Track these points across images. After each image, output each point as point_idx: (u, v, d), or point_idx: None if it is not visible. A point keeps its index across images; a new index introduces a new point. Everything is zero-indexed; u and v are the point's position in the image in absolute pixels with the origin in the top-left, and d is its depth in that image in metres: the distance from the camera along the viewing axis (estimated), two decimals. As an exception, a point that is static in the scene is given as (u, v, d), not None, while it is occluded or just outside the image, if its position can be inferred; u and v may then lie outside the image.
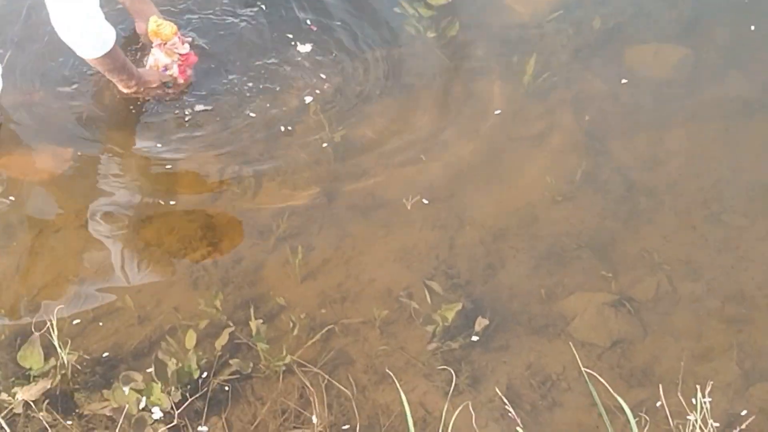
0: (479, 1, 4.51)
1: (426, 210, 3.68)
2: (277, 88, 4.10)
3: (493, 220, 3.68)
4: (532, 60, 4.17)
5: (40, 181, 3.77)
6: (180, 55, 3.97)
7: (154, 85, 3.90)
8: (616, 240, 3.62)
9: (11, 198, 3.69)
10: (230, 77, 4.12)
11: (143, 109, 3.96)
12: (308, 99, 4.04)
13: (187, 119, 3.95)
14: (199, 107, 3.99)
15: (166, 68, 3.94)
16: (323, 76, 4.15)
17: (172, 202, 3.69)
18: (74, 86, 3.93)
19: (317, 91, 4.08)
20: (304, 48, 4.24)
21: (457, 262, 3.54)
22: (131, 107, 3.96)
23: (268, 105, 4.03)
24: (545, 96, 4.12)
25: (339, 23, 4.37)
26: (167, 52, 3.95)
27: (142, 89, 3.88)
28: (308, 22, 4.36)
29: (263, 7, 4.41)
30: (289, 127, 3.95)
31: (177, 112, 3.97)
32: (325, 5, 4.45)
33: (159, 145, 3.87)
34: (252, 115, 3.99)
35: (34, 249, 3.53)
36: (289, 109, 4.02)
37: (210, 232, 3.62)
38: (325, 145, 3.88)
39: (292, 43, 4.27)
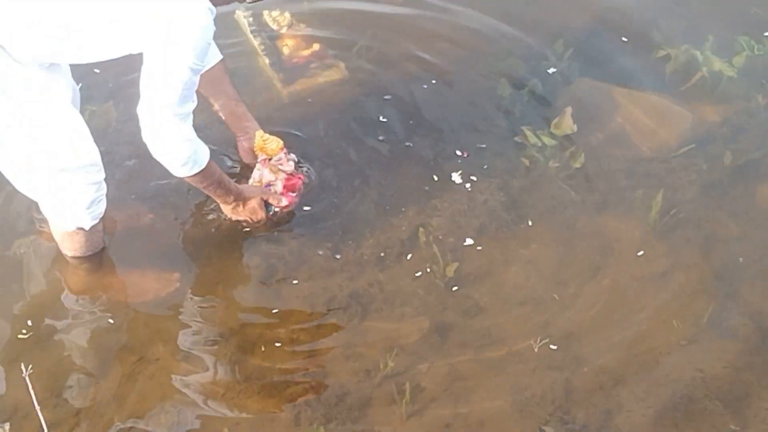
0: (604, 132, 4.38)
1: (542, 351, 3.51)
2: (390, 215, 4.01)
3: (613, 363, 3.49)
4: (659, 196, 4.02)
5: (142, 303, 3.71)
6: (285, 174, 3.88)
7: (256, 203, 3.78)
8: (748, 392, 3.40)
9: (111, 320, 3.63)
10: (342, 199, 4.06)
11: (249, 234, 3.90)
12: (421, 229, 3.93)
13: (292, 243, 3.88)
14: (305, 230, 3.92)
15: (269, 185, 3.85)
16: (437, 205, 4.04)
17: (277, 344, 3.56)
18: (180, 210, 3.89)
19: (431, 221, 3.97)
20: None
21: (573, 407, 3.35)
22: (239, 231, 3.90)
23: (379, 233, 3.93)
24: (671, 234, 3.94)
25: (456, 154, 4.28)
26: (272, 169, 3.88)
27: (243, 210, 3.77)
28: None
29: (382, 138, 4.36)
30: (400, 257, 3.84)
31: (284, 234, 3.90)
32: (440, 132, 4.38)
33: (264, 271, 3.81)
34: (361, 241, 3.89)
35: (132, 375, 3.45)
36: (400, 238, 3.91)
37: (314, 365, 3.50)
38: (437, 278, 3.75)
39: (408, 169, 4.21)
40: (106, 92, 3.85)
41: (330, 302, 3.70)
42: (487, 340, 3.57)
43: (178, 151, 3.33)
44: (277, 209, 3.87)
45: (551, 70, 4.68)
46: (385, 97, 4.53)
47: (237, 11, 4.83)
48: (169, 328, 3.63)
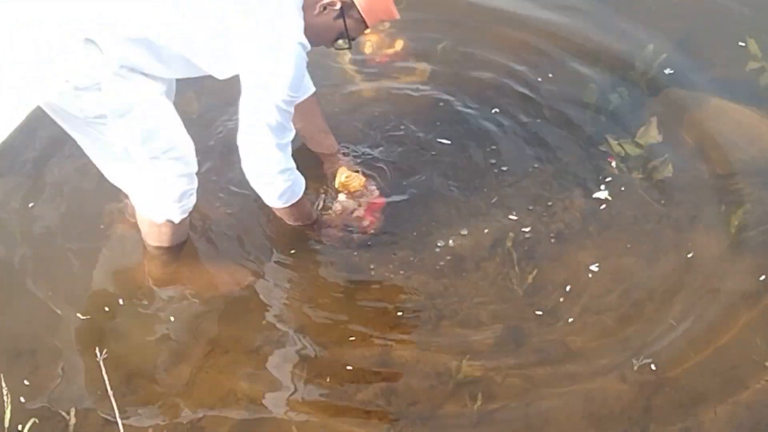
0: (691, 143, 4.25)
1: (621, 365, 3.41)
2: (470, 218, 3.94)
3: (694, 382, 3.36)
4: (740, 211, 3.91)
5: (215, 297, 3.69)
6: (368, 201, 3.88)
7: (337, 231, 3.82)
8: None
9: (183, 312, 3.64)
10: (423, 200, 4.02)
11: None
12: (501, 236, 3.85)
13: (368, 246, 3.85)
14: (384, 234, 3.88)
15: (352, 212, 3.85)
16: (516, 210, 3.97)
17: (351, 338, 3.53)
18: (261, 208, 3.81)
19: (511, 227, 3.89)
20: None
21: (650, 424, 3.23)
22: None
23: (458, 237, 3.86)
24: (757, 251, 3.79)
25: (536, 164, 4.20)
26: (353, 198, 3.90)
27: (319, 233, 3.82)
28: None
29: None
30: (479, 262, 3.77)
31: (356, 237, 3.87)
32: (519, 143, 4.30)
33: (341, 272, 3.78)
34: (440, 244, 3.84)
35: (202, 367, 3.43)
36: (480, 243, 3.84)
37: (386, 366, 3.43)
38: (515, 284, 3.67)
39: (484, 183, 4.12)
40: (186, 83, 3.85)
41: (405, 305, 3.65)
42: (563, 349, 3.48)
43: (277, 182, 3.40)
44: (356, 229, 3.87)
45: (645, 76, 4.55)
46: (467, 102, 4.47)
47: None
48: (241, 322, 3.60)
